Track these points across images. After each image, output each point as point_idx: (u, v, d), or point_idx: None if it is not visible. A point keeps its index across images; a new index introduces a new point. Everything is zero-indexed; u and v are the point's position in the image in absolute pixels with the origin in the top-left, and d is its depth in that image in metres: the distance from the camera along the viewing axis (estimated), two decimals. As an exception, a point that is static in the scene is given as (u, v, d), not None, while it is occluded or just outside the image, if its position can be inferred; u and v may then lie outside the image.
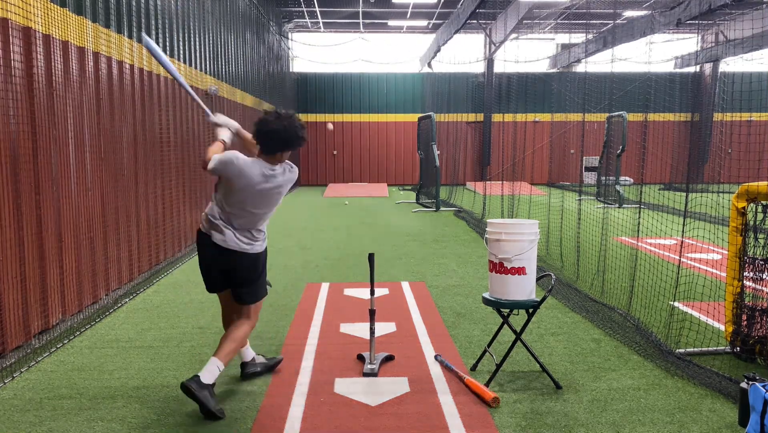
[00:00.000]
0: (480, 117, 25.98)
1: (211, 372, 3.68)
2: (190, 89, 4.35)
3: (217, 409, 3.63)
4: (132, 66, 7.35)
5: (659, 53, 23.78)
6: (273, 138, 3.82)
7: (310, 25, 25.12)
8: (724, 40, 21.13)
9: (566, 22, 22.65)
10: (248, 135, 4.19)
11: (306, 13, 23.02)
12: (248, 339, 4.27)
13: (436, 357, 4.64)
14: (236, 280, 3.96)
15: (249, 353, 4.33)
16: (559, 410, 3.76)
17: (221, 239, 3.83)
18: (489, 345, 4.49)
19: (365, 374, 4.32)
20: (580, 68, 24.32)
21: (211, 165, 3.81)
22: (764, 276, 4.46)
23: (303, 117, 24.75)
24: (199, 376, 3.64)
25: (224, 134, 4.05)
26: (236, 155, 3.82)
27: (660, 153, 25.03)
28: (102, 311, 5.99)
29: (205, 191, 10.44)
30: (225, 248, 3.84)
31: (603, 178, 18.34)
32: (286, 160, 4.00)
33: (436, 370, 4.44)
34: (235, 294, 4.02)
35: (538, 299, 4.14)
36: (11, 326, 4.70)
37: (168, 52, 8.71)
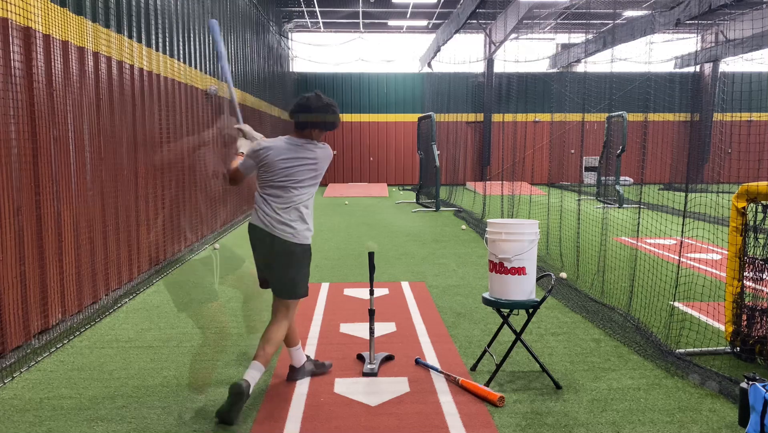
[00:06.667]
0: (480, 117, 25.99)
1: (254, 377, 3.70)
2: (233, 92, 4.45)
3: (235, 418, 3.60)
4: (132, 66, 7.35)
5: (659, 53, 23.81)
6: (303, 113, 3.95)
7: (310, 25, 25.12)
8: (724, 40, 21.14)
9: (566, 22, 22.66)
10: None
11: (306, 13, 23.03)
12: (296, 339, 4.21)
13: (416, 361, 4.56)
14: (272, 267, 3.93)
15: (300, 357, 4.25)
16: (559, 410, 3.76)
17: (260, 222, 3.90)
18: (489, 345, 4.48)
19: (365, 374, 4.32)
20: (580, 68, 24.33)
21: (241, 167, 3.91)
22: (764, 276, 4.46)
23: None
24: (249, 381, 3.64)
25: (245, 147, 4.11)
26: (260, 142, 3.96)
27: (660, 153, 25.05)
28: (102, 311, 6.00)
29: (205, 191, 10.43)
30: (263, 231, 3.88)
31: (603, 178, 18.35)
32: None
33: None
34: (272, 285, 4.01)
35: (538, 299, 4.14)
36: (11, 326, 4.70)
37: (168, 53, 8.71)
